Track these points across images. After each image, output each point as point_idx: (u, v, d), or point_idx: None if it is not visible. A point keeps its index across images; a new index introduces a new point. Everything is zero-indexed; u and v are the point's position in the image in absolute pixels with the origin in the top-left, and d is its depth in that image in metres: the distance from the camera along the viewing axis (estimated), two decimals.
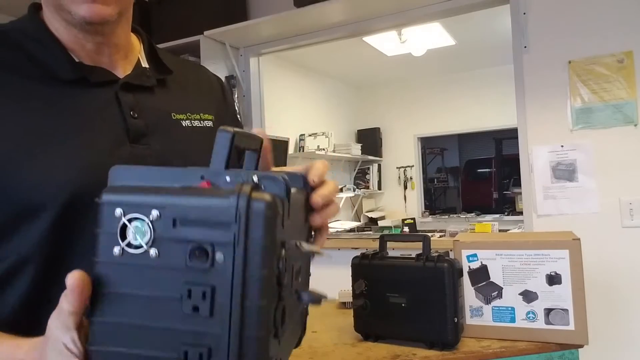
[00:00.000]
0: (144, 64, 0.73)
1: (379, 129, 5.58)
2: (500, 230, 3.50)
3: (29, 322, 0.56)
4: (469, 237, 1.32)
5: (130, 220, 0.39)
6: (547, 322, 1.16)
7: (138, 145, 0.64)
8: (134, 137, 0.64)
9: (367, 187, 5.36)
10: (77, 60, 0.65)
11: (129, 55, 0.71)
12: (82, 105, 0.63)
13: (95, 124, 0.63)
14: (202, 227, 0.38)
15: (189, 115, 0.73)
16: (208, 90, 0.82)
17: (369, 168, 5.41)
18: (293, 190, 0.44)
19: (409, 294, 1.16)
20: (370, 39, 3.86)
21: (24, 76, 0.61)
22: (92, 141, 0.62)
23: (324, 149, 4.35)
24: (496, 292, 1.20)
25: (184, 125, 0.71)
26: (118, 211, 0.40)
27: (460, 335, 1.16)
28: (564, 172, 2.05)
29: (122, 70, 0.69)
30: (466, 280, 1.22)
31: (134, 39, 0.74)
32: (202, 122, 0.74)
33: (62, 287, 0.58)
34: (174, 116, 0.71)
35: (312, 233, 0.54)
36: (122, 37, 0.69)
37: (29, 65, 0.62)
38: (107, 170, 0.60)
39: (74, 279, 0.40)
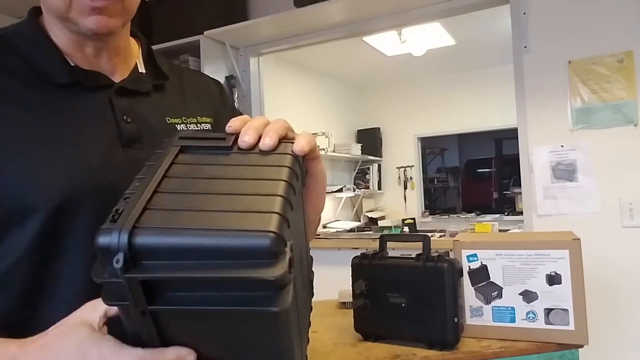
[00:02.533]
0: (141, 69, 0.73)
1: (379, 129, 5.58)
2: (500, 230, 3.50)
3: (22, 324, 0.56)
4: (469, 237, 1.32)
5: None
6: (547, 322, 1.16)
7: (131, 149, 0.64)
8: (126, 141, 0.64)
9: (367, 187, 5.36)
10: (72, 64, 0.65)
11: (128, 60, 0.71)
12: (76, 109, 0.63)
13: (88, 128, 0.63)
14: None
15: (185, 119, 0.73)
16: (206, 94, 0.81)
17: (369, 168, 5.41)
18: None
19: (409, 294, 1.16)
20: (370, 39, 3.86)
21: (20, 80, 0.62)
22: (85, 145, 0.62)
23: (324, 149, 4.35)
24: (496, 292, 1.20)
25: (179, 129, 0.71)
26: None
27: (460, 335, 1.16)
28: (564, 172, 2.05)
29: (120, 75, 0.69)
30: (466, 280, 1.22)
31: (133, 43, 0.75)
32: (198, 125, 0.74)
33: (53, 289, 0.58)
34: (169, 120, 0.71)
35: None
36: (121, 41, 0.69)
37: (25, 69, 0.63)
38: (99, 174, 0.61)
39: None
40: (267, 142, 0.48)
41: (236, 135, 0.49)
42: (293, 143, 0.50)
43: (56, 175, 0.58)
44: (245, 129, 0.49)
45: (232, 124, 0.50)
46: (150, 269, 0.39)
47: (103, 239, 0.39)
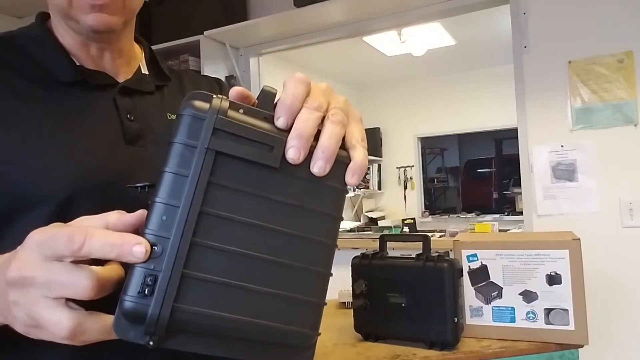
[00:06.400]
0: (144, 70, 0.75)
1: (379, 129, 5.58)
2: (500, 230, 3.50)
3: None
4: (469, 237, 1.32)
5: None
6: (547, 322, 1.16)
7: (134, 146, 0.66)
8: (129, 139, 0.65)
9: (367, 187, 5.36)
10: (78, 63, 0.67)
11: (131, 62, 0.73)
12: (80, 107, 0.64)
13: (93, 125, 0.64)
14: None
15: None
16: (206, 90, 0.83)
17: (369, 168, 5.40)
18: None
19: (409, 294, 1.16)
20: (370, 39, 3.86)
21: (27, 77, 0.63)
22: (90, 142, 0.63)
23: None
24: (496, 292, 1.20)
25: None
26: None
27: (460, 335, 1.16)
28: (564, 172, 2.05)
29: (124, 76, 0.71)
30: (466, 280, 1.22)
31: (137, 47, 0.76)
32: None
33: None
34: (169, 116, 0.72)
35: None
36: (125, 43, 0.71)
37: (32, 68, 0.64)
38: (105, 168, 0.62)
39: (139, 213, 0.41)
40: (318, 169, 0.41)
41: (285, 136, 0.41)
42: (346, 158, 0.43)
43: (64, 168, 0.59)
44: (295, 135, 0.41)
45: (281, 115, 0.41)
46: (184, 342, 0.39)
47: (135, 309, 0.37)
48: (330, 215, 0.43)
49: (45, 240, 0.39)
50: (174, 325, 0.37)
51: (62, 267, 0.39)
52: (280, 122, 0.41)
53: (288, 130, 0.41)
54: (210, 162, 0.39)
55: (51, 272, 0.39)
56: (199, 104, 0.40)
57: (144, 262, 0.37)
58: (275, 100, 0.43)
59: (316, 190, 0.42)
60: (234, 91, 0.44)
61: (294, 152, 0.40)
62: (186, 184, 0.38)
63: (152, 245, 0.38)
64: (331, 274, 0.44)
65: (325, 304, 0.43)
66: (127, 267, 0.39)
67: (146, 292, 0.37)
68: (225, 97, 0.41)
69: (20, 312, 0.40)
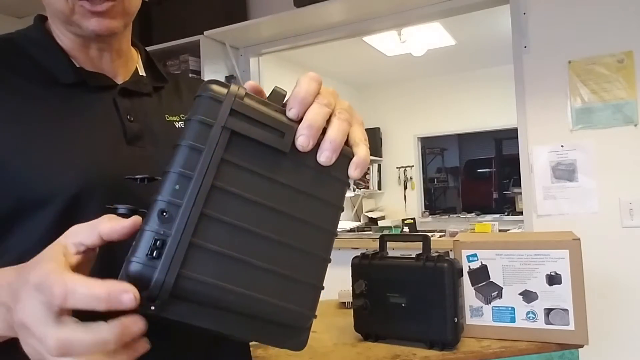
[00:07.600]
0: (141, 72, 0.76)
1: (379, 129, 5.58)
2: (500, 230, 3.50)
3: None
4: (469, 237, 1.32)
5: None
6: (547, 322, 1.16)
7: (134, 147, 0.67)
8: (130, 139, 0.66)
9: (367, 187, 5.36)
10: (77, 65, 0.67)
11: (129, 64, 0.74)
12: (82, 107, 0.65)
13: (94, 125, 0.65)
14: None
15: (182, 117, 0.75)
16: None
17: (369, 168, 5.40)
18: None
19: (409, 294, 1.16)
20: (370, 39, 3.86)
21: (28, 78, 0.64)
22: (93, 141, 0.63)
23: None
24: (496, 292, 1.20)
25: (177, 126, 0.74)
26: None
27: (460, 335, 1.16)
28: (564, 172, 2.05)
29: (122, 77, 0.72)
30: (466, 280, 1.22)
31: (133, 51, 0.78)
32: None
33: None
34: (168, 118, 0.73)
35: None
36: (123, 43, 0.72)
37: (33, 70, 0.65)
38: (108, 168, 0.63)
39: (133, 220, 0.41)
40: (325, 159, 0.44)
41: (296, 126, 0.44)
42: (350, 153, 0.46)
43: (69, 167, 0.60)
44: (306, 125, 0.44)
45: (293, 107, 0.44)
46: (185, 312, 0.39)
47: (141, 271, 0.37)
48: (333, 205, 0.46)
49: (37, 285, 0.38)
50: (178, 292, 0.38)
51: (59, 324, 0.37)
52: (292, 112, 0.44)
53: (298, 121, 0.44)
54: (225, 139, 0.41)
55: (46, 330, 0.37)
56: (217, 87, 0.42)
57: (156, 226, 0.38)
58: (285, 100, 0.46)
59: (321, 179, 0.45)
60: (248, 85, 0.47)
61: (303, 140, 0.43)
62: (201, 156, 0.40)
63: (163, 212, 0.39)
64: (330, 260, 0.46)
65: (323, 288, 0.46)
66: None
67: (154, 254, 0.37)
68: (242, 86, 0.44)
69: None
